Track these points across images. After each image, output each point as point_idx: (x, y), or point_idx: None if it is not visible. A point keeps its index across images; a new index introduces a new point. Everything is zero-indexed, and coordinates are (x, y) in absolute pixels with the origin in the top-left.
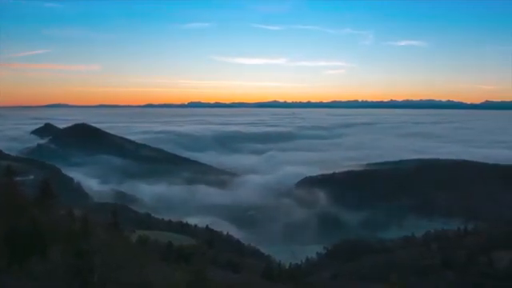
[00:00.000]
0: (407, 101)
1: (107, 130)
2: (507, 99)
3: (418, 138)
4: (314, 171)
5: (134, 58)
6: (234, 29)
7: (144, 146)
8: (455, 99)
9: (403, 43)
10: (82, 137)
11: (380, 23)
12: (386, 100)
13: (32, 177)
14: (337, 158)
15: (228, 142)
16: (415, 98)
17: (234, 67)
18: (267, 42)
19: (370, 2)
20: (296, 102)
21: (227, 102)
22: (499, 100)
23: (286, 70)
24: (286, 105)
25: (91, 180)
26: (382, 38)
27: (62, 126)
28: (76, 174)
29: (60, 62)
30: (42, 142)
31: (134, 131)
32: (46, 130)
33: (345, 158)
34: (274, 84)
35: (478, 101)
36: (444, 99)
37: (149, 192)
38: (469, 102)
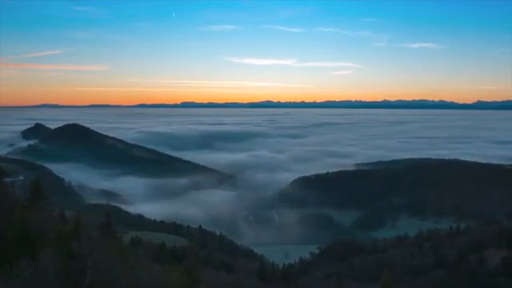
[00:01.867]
0: (400, 101)
1: (98, 131)
2: (498, 99)
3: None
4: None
5: (144, 60)
6: (254, 31)
7: (136, 146)
8: (448, 99)
9: (416, 45)
10: (73, 137)
11: (397, 25)
12: (379, 100)
13: (22, 178)
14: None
15: (211, 141)
16: (408, 98)
17: (240, 68)
18: (283, 44)
19: (393, 5)
20: (290, 102)
21: (221, 102)
22: (491, 100)
23: (292, 71)
24: (279, 105)
25: (83, 180)
26: (396, 40)
27: (52, 126)
28: (67, 175)
29: (63, 62)
30: (32, 142)
31: (120, 131)
32: (37, 130)
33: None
34: (273, 84)
35: (470, 101)
36: (437, 99)
37: (140, 192)
38: (461, 102)
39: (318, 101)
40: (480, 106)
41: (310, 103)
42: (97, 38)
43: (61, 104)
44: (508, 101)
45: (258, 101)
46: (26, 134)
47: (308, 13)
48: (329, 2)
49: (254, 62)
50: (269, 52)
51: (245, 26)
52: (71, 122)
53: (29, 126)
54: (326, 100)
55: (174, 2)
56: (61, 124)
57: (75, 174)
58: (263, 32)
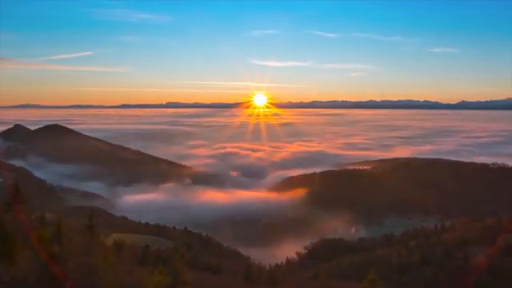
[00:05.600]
0: (386, 101)
1: (80, 131)
2: (482, 99)
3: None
4: None
5: (167, 63)
6: (292, 36)
7: (119, 146)
8: (432, 99)
9: (438, 50)
10: (54, 138)
11: (426, 31)
12: (364, 100)
13: (1, 180)
14: None
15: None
16: (394, 98)
17: (255, 69)
18: (313, 47)
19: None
20: (275, 102)
21: (207, 102)
22: (475, 100)
23: (305, 72)
24: None
25: (64, 182)
26: (424, 44)
27: (32, 127)
28: (48, 177)
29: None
30: (11, 143)
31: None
32: (16, 131)
33: None
34: (273, 85)
35: (454, 101)
36: (421, 99)
37: (125, 194)
38: (445, 102)
39: (304, 101)
40: (463, 105)
41: (296, 103)
42: (129, 42)
43: (41, 104)
44: (491, 101)
45: (243, 101)
46: (5, 135)
47: (346, 19)
48: (368, 9)
49: (273, 64)
50: (292, 54)
51: (285, 30)
52: (52, 123)
53: (8, 127)
54: (312, 100)
55: (222, 7)
56: (41, 125)
57: (56, 176)
58: (300, 37)
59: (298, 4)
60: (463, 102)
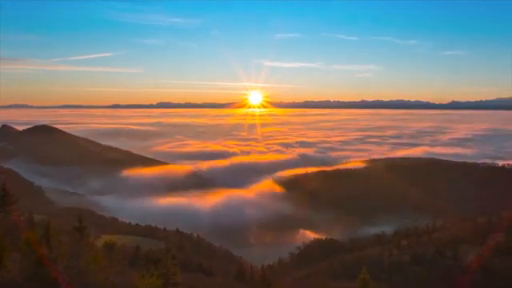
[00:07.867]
0: (378, 101)
1: (70, 131)
2: (472, 99)
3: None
4: None
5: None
6: (312, 38)
7: (109, 147)
8: (423, 99)
9: (448, 53)
10: (43, 138)
11: (440, 34)
12: (357, 100)
13: None
14: None
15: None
16: (385, 98)
17: (262, 70)
18: (328, 49)
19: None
20: (270, 101)
21: (199, 102)
22: (465, 100)
23: (311, 73)
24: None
25: (53, 183)
26: (437, 47)
27: (20, 127)
28: (36, 178)
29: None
30: None
31: None
32: (4, 131)
33: None
34: (272, 86)
35: (445, 101)
36: (413, 99)
37: (115, 195)
38: (437, 103)
39: (296, 101)
40: (454, 106)
41: (288, 103)
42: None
43: (30, 104)
44: (480, 101)
45: (234, 101)
46: None
47: (366, 22)
48: (392, 12)
49: (282, 64)
50: (303, 55)
51: (306, 34)
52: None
53: None
54: (304, 100)
55: (249, 10)
56: (30, 126)
57: (45, 177)
58: (320, 39)
59: (323, 7)
60: (453, 101)
